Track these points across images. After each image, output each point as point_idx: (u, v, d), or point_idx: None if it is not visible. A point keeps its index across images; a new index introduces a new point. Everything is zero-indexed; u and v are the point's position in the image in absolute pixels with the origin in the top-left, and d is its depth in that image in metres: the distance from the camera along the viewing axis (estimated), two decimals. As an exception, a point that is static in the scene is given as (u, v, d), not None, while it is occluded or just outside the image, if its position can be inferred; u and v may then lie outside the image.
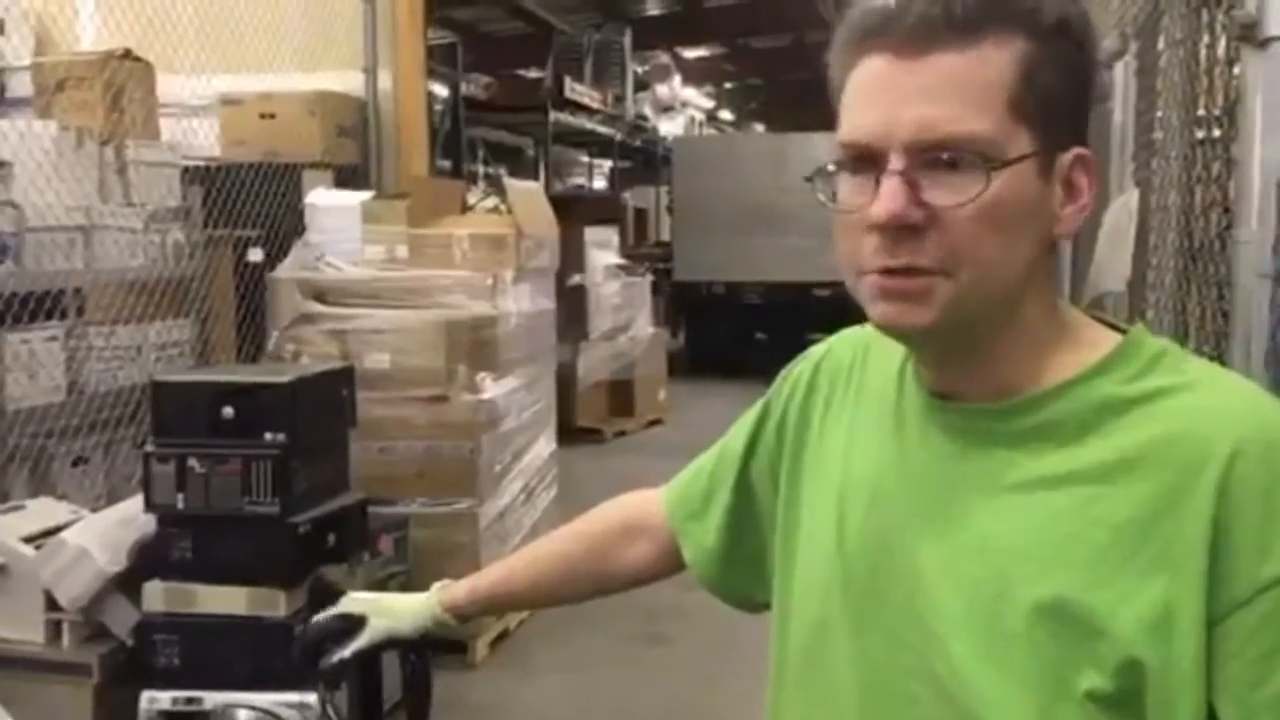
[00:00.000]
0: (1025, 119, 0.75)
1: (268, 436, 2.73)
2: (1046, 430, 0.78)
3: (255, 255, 4.21)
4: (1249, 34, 1.54)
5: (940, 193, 0.74)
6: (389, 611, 1.18)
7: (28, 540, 2.70)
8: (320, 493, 2.88)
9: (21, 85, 4.08)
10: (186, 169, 3.97)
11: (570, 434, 6.29)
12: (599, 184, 14.51)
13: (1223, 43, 1.87)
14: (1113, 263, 2.35)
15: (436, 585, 1.19)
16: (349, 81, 4.96)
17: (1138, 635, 0.71)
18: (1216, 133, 1.93)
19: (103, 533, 2.72)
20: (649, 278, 8.75)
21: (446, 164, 8.46)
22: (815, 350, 1.00)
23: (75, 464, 3.33)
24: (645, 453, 6.90)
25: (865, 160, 0.77)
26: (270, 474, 2.70)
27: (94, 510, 2.99)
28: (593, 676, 3.75)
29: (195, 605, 2.70)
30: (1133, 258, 2.32)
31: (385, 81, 5.04)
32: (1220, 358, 1.68)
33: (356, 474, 3.18)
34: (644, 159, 13.56)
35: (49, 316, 3.27)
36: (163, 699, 2.54)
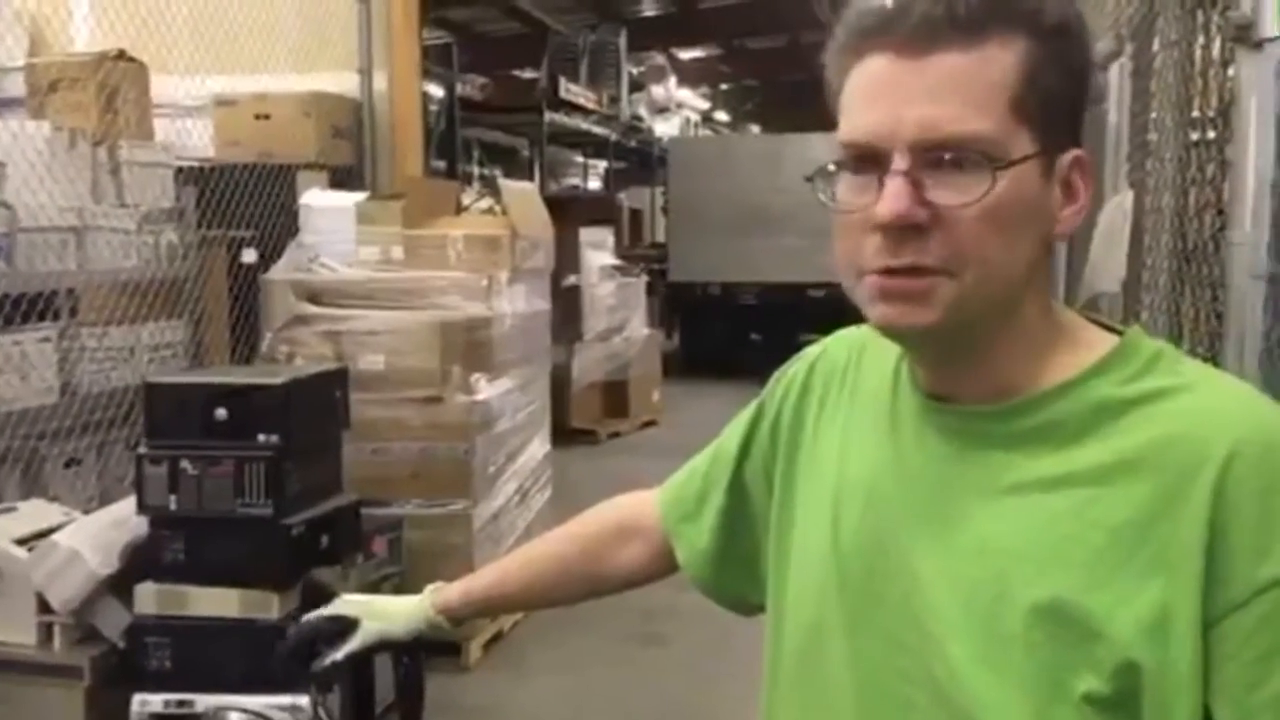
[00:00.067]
0: (1027, 120, 0.75)
1: (261, 438, 2.72)
2: (1044, 432, 0.78)
3: (249, 256, 4.20)
4: (1244, 35, 1.54)
5: (945, 192, 0.74)
6: (382, 614, 1.18)
7: (19, 542, 2.68)
8: (314, 494, 2.87)
9: (15, 86, 4.06)
10: (180, 170, 3.96)
11: (565, 435, 6.29)
12: (594, 185, 14.51)
13: (1217, 44, 1.88)
14: (1107, 264, 2.35)
15: (430, 587, 1.19)
16: (344, 82, 4.96)
17: (1135, 638, 0.71)
18: (1211, 134, 1.93)
19: (95, 535, 2.71)
20: (644, 278, 8.75)
21: (441, 165, 8.46)
22: (810, 351, 1.00)
23: (67, 466, 3.32)
24: (640, 454, 6.90)
25: (867, 160, 0.76)
26: (263, 476, 2.69)
27: (86, 512, 2.98)
28: (587, 678, 3.75)
29: (187, 607, 2.69)
30: (1127, 259, 2.32)
31: (380, 82, 5.03)
32: (1214, 359, 1.69)
33: (350, 475, 3.17)
34: (639, 160, 13.57)
35: (41, 317, 3.26)
36: (154, 701, 2.53)
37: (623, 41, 11.95)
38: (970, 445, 0.81)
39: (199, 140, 4.56)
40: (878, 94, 0.76)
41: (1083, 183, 0.79)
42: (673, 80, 14.41)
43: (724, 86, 18.63)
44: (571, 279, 7.31)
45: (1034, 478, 0.77)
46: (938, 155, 0.74)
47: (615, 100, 11.84)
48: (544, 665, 3.83)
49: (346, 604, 1.19)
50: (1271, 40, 1.49)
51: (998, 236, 0.75)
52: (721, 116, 19.70)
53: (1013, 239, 0.76)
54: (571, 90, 10.51)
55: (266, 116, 4.58)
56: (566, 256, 6.58)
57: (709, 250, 10.35)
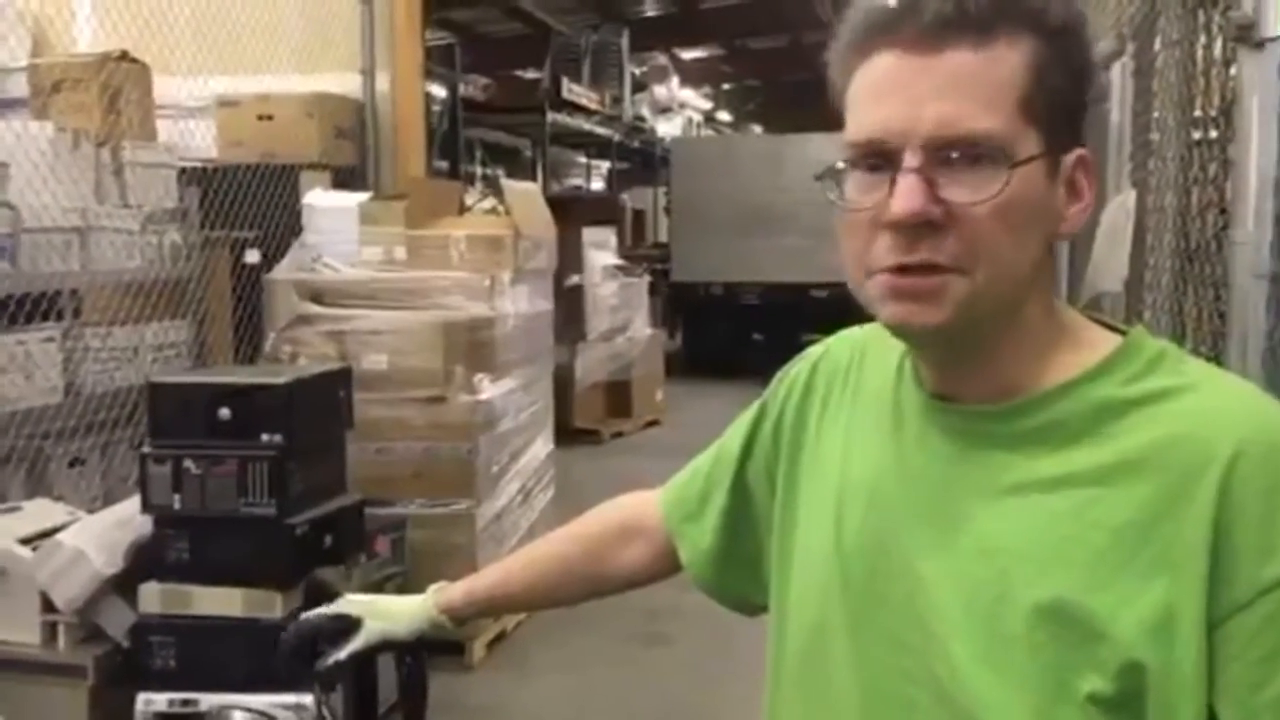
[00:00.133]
0: (1034, 119, 0.75)
1: (264, 438, 2.72)
2: (1046, 432, 0.78)
3: (252, 256, 4.20)
4: (1245, 35, 1.54)
5: (959, 190, 0.74)
6: (385, 614, 1.18)
7: (24, 542, 2.69)
8: (317, 494, 2.87)
9: (18, 86, 4.07)
10: (183, 170, 3.96)
11: (568, 435, 6.29)
12: (597, 185, 14.51)
13: (1219, 44, 1.88)
14: (1110, 263, 2.35)
15: (433, 587, 1.19)
16: (347, 83, 4.96)
17: (1138, 638, 0.71)
18: (1213, 134, 1.93)
19: (99, 534, 2.71)
20: (647, 278, 8.75)
21: (444, 165, 8.46)
22: (812, 351, 1.00)
23: (72, 465, 3.33)
24: (642, 454, 6.90)
25: (878, 158, 0.76)
26: (267, 475, 2.70)
27: (90, 512, 2.99)
28: (590, 677, 3.75)
29: (191, 607, 2.70)
30: (1130, 258, 2.32)
31: (383, 83, 5.04)
32: (1217, 358, 1.68)
33: (354, 475, 3.18)
34: (642, 160, 13.57)
35: (45, 318, 3.27)
36: (158, 701, 2.54)
37: (625, 42, 11.95)
38: (973, 445, 0.81)
39: (202, 141, 4.57)
40: (887, 91, 0.76)
41: (1086, 182, 0.80)
42: (675, 80, 14.42)
43: (726, 86, 18.62)
44: (574, 279, 7.31)
45: (1036, 478, 0.77)
46: (948, 153, 0.74)
47: (618, 100, 11.84)
48: (547, 665, 3.83)
49: (350, 604, 1.19)
50: (1273, 40, 1.49)
51: (1009, 235, 0.75)
52: (724, 116, 19.70)
53: (1023, 237, 0.76)
54: (574, 91, 10.51)
55: (269, 117, 4.59)
56: (569, 257, 6.58)
57: (711, 250, 10.35)
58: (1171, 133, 2.17)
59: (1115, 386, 0.78)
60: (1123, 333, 0.82)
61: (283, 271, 3.95)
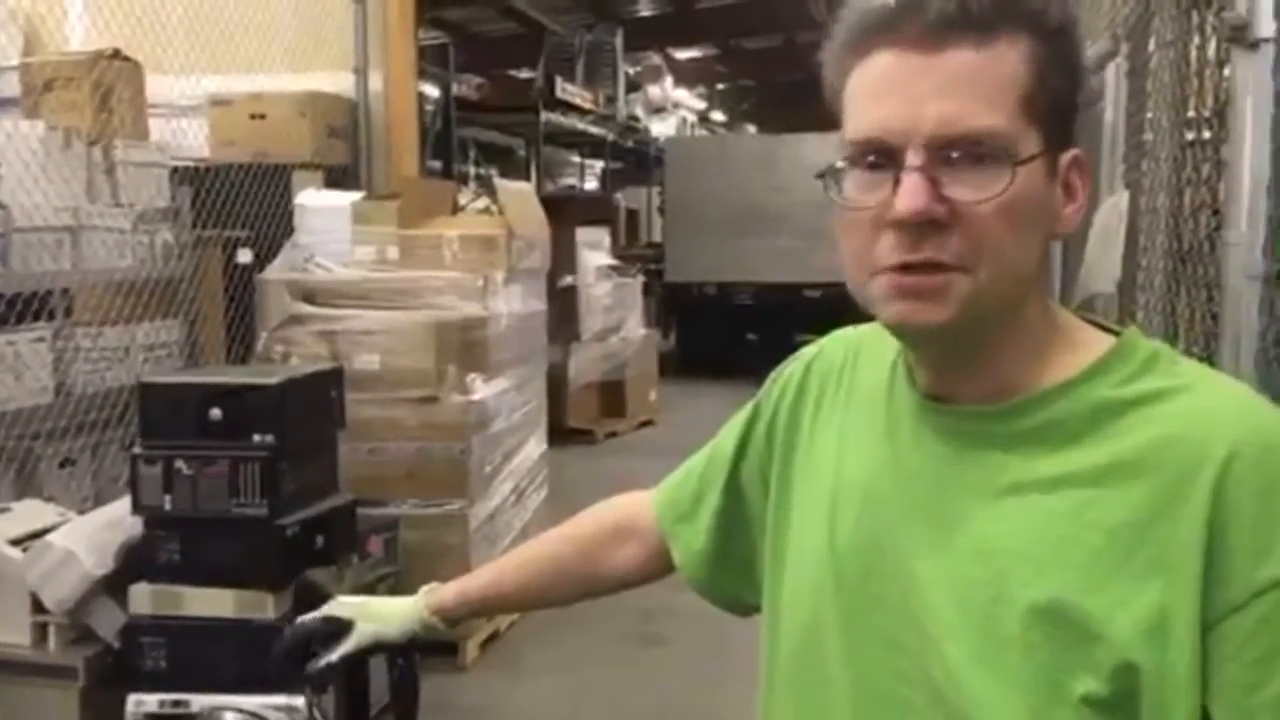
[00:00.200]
0: (1035, 118, 0.75)
1: (256, 438, 2.72)
2: (1042, 432, 0.78)
3: (244, 256, 4.19)
4: (1239, 36, 1.54)
5: (962, 188, 0.74)
6: (376, 615, 1.17)
7: (14, 543, 2.68)
8: (309, 494, 2.87)
9: (9, 85, 4.05)
10: (175, 169, 3.95)
11: (561, 435, 6.28)
12: (590, 185, 14.50)
13: (1213, 44, 1.88)
14: (1103, 264, 2.35)
15: (425, 588, 1.19)
16: (339, 82, 4.95)
17: (1133, 639, 0.71)
18: (1206, 134, 1.93)
19: (89, 535, 2.70)
20: (640, 279, 8.75)
21: (437, 165, 8.44)
22: (806, 351, 1.00)
23: (62, 466, 3.31)
24: (636, 454, 6.90)
25: (878, 156, 0.76)
26: (258, 476, 2.69)
27: (81, 512, 2.98)
28: (584, 678, 3.74)
29: (182, 608, 2.69)
30: (1123, 259, 2.32)
31: (376, 82, 5.03)
32: (1209, 359, 1.69)
33: (346, 475, 3.17)
34: (636, 160, 13.56)
35: (36, 317, 3.25)
36: (149, 702, 2.52)
37: (619, 41, 11.94)
38: (968, 445, 0.81)
39: (194, 140, 4.55)
40: (887, 90, 0.76)
41: (1081, 182, 0.80)
42: (669, 80, 14.40)
43: (720, 86, 18.63)
44: (568, 279, 7.31)
45: (1032, 478, 0.77)
46: (950, 152, 0.74)
47: (612, 100, 11.82)
48: (541, 665, 3.83)
49: (341, 605, 1.19)
50: (1267, 40, 1.49)
51: (1012, 233, 0.75)
52: (718, 116, 19.70)
53: (1025, 236, 0.76)
54: (568, 90, 10.50)
55: (262, 116, 4.57)
56: (563, 256, 6.57)
57: (705, 250, 10.35)
58: (1165, 133, 2.17)
59: (1110, 387, 0.78)
60: (1115, 333, 0.82)
61: (275, 271, 3.94)
